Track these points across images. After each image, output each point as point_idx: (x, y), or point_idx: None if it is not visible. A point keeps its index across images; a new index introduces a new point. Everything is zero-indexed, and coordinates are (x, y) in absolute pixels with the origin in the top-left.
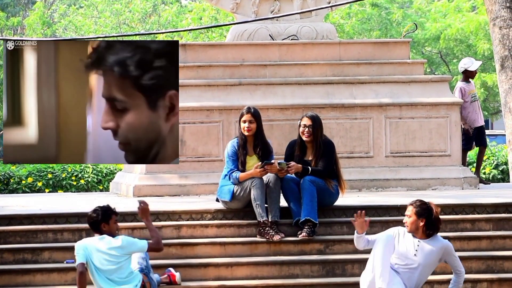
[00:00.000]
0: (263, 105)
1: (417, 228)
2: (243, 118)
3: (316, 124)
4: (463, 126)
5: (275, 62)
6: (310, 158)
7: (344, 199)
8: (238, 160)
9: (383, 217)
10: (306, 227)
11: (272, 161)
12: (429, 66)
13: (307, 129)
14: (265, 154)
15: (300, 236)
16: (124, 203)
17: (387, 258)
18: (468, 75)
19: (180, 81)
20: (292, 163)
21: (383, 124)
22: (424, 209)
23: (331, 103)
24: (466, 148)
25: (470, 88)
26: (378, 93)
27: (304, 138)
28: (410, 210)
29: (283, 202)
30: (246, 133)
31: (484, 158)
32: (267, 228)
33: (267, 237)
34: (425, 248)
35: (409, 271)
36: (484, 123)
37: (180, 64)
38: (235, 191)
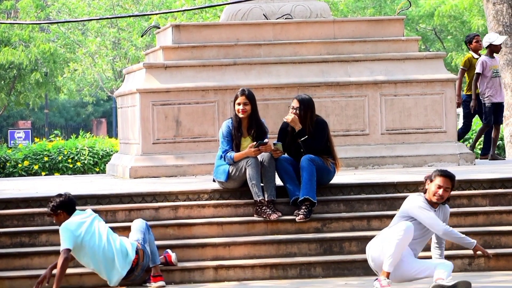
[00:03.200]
0: (258, 84)
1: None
2: (237, 100)
3: (304, 106)
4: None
5: (270, 42)
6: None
7: (341, 177)
8: (233, 141)
9: (380, 194)
10: (304, 207)
11: (266, 140)
12: (423, 43)
13: (294, 111)
14: (259, 135)
15: (297, 219)
16: (120, 184)
17: (403, 247)
18: (492, 49)
19: (174, 62)
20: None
21: (378, 102)
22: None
23: (326, 82)
24: (487, 123)
25: (493, 63)
26: (373, 70)
27: None
28: (449, 183)
29: (278, 182)
30: (241, 115)
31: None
32: (264, 207)
33: (264, 216)
34: (443, 211)
35: (425, 237)
36: (503, 101)
37: (174, 45)
38: (230, 171)
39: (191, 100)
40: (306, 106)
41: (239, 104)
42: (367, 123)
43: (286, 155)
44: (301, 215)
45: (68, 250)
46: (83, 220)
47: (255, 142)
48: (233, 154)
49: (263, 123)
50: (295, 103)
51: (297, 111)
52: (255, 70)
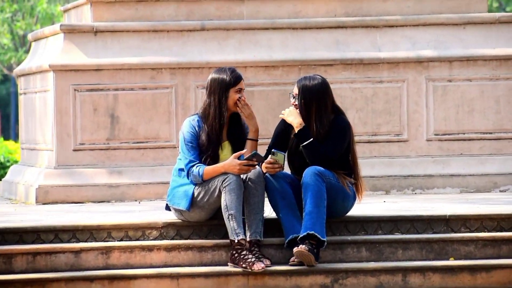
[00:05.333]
0: (238, 61)
1: None
2: (237, 86)
3: (307, 94)
4: None
5: None
6: None
7: (364, 206)
8: (205, 150)
9: (423, 234)
10: (306, 246)
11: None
12: None
13: (294, 101)
14: (240, 139)
15: (293, 258)
16: (21, 213)
17: None
18: None
19: (110, 24)
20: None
21: (423, 90)
22: None
23: (342, 58)
24: None
25: None
26: (415, 42)
27: None
28: None
29: (268, 212)
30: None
31: None
32: (244, 252)
33: (244, 265)
34: None
35: None
36: None
37: None
38: (196, 194)
39: (135, 83)
40: (309, 94)
41: (238, 91)
42: (405, 123)
43: (284, 170)
44: (303, 250)
45: None
46: None
47: (242, 152)
48: (202, 169)
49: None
50: (296, 89)
51: (297, 101)
52: (234, 38)
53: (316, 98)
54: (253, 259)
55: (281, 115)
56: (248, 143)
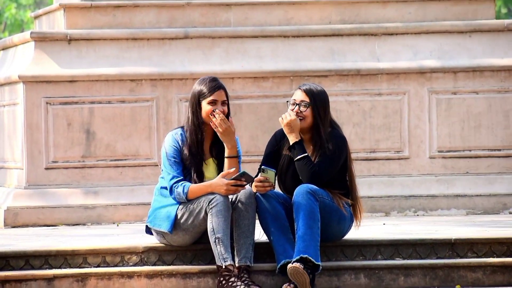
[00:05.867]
0: (224, 72)
1: None
2: (210, 97)
3: (316, 101)
4: None
5: (245, 0)
6: None
7: (362, 229)
8: (189, 165)
9: (426, 259)
10: (300, 264)
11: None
12: (504, 4)
13: (297, 108)
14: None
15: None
16: None
17: None
18: None
19: (85, 31)
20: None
21: (426, 104)
22: None
23: (338, 69)
24: None
25: None
26: (417, 51)
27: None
28: None
29: (258, 236)
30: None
31: None
32: (232, 279)
33: None
34: None
35: None
36: None
37: (84, 2)
38: (179, 216)
39: (112, 96)
40: (320, 101)
41: (213, 102)
42: (406, 139)
43: (276, 189)
44: (298, 267)
45: None
46: None
47: (229, 170)
48: (187, 187)
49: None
50: (301, 96)
51: (305, 109)
52: (221, 47)
53: (322, 105)
54: (242, 286)
55: (280, 119)
56: (227, 162)
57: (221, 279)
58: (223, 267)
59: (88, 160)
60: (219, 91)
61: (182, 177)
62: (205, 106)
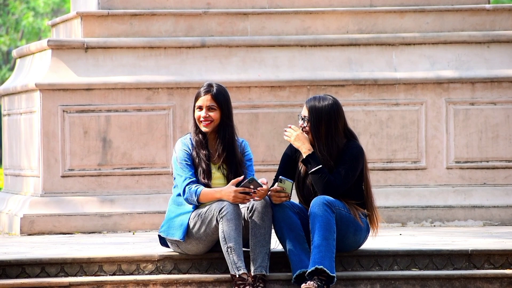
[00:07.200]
0: (241, 80)
1: None
2: (198, 103)
3: (316, 115)
4: None
5: (262, 10)
6: None
7: (378, 240)
8: (198, 166)
9: (443, 270)
10: (314, 283)
11: (263, 179)
12: None
13: (302, 123)
14: (232, 164)
15: None
16: (4, 245)
17: None
18: None
19: (102, 40)
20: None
21: (443, 114)
22: None
23: (355, 79)
24: None
25: None
26: (434, 61)
27: None
28: None
29: (274, 245)
30: (204, 128)
31: None
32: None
33: None
34: None
35: None
36: None
37: (102, 11)
38: (191, 225)
39: (129, 105)
40: (318, 115)
41: (200, 108)
42: (424, 149)
43: (294, 199)
44: (311, 287)
45: None
46: None
47: (239, 178)
48: (200, 189)
49: (243, 145)
50: (304, 110)
51: (305, 123)
52: (238, 56)
53: (326, 120)
54: None
55: (286, 137)
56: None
57: None
58: (237, 276)
59: (104, 168)
60: (205, 96)
61: (195, 179)
62: (197, 112)
